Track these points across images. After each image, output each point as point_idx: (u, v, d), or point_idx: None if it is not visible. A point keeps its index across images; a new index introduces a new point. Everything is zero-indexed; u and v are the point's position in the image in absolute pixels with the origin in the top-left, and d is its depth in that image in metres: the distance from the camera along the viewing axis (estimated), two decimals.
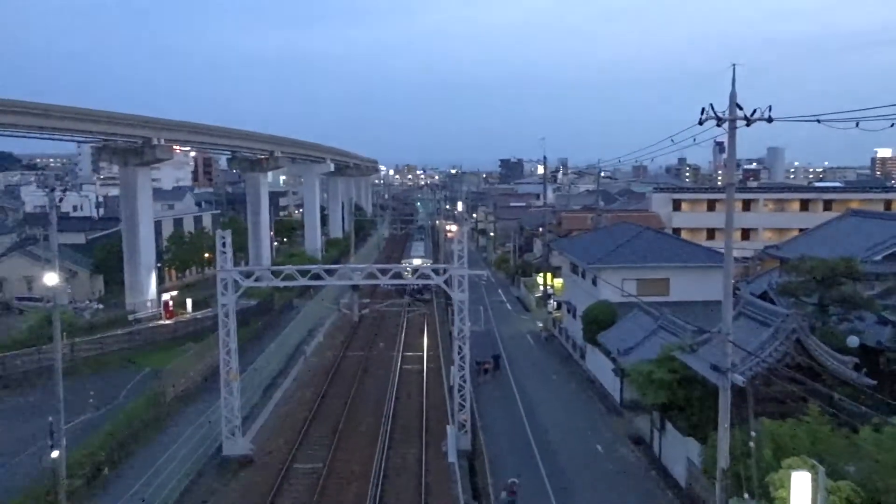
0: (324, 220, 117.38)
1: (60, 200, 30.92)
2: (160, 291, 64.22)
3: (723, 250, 22.77)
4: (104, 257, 72.20)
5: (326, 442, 34.52)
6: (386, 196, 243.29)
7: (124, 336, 52.73)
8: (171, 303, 60.04)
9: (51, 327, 28.95)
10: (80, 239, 79.22)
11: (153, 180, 75.86)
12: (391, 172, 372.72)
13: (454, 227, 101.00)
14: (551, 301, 61.56)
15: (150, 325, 56.68)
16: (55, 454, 24.44)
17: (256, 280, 33.92)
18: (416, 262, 58.25)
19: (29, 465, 30.13)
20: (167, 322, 57.59)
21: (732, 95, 20.00)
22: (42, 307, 53.81)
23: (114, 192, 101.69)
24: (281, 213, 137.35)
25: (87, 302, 67.07)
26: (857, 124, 14.56)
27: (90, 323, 54.42)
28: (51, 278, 28.69)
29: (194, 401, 40.36)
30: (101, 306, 66.29)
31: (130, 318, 58.00)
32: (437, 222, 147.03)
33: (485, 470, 30.06)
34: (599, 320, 41.88)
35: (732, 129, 20.27)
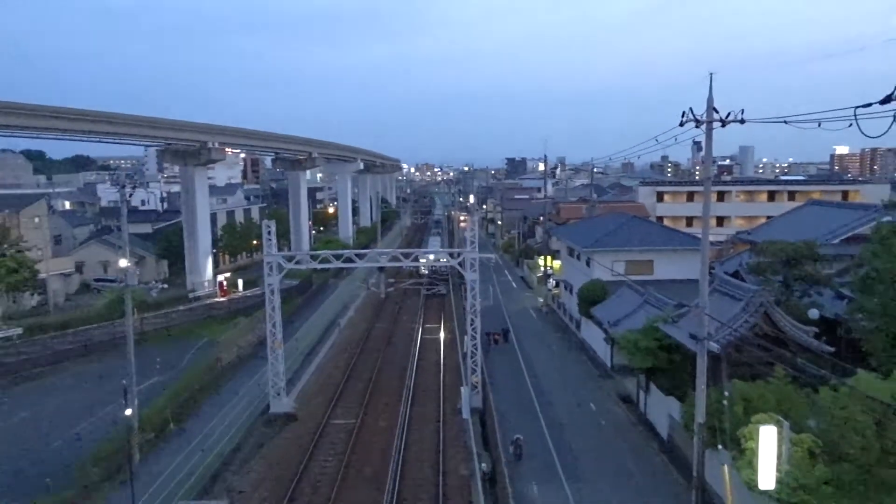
0: (355, 212, 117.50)
1: (130, 196, 31.21)
2: (216, 273, 64.60)
3: (700, 235, 22.59)
4: (168, 244, 72.73)
5: (358, 401, 34.74)
6: (408, 190, 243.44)
7: (185, 311, 53.25)
8: (224, 283, 60.47)
9: (123, 304, 29.28)
10: (147, 229, 79.73)
11: (209, 178, 75.98)
12: (412, 170, 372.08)
13: (466, 218, 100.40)
14: (551, 280, 61.36)
15: (207, 301, 57.15)
16: (129, 411, 24.77)
17: (297, 263, 34.08)
18: (433, 257, 55.47)
19: (107, 421, 30.56)
20: (222, 299, 58.02)
21: (709, 101, 19.80)
22: (116, 287, 54.45)
23: (175, 188, 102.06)
24: (318, 206, 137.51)
25: (154, 282, 67.66)
26: (819, 124, 14.31)
27: (156, 300, 54.93)
28: (123, 262, 28.99)
29: (245, 366, 40.67)
30: (165, 286, 66.87)
31: (190, 296, 58.45)
32: (452, 213, 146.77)
33: (494, 424, 30.14)
34: (593, 296, 41.72)
35: (709, 130, 20.08)
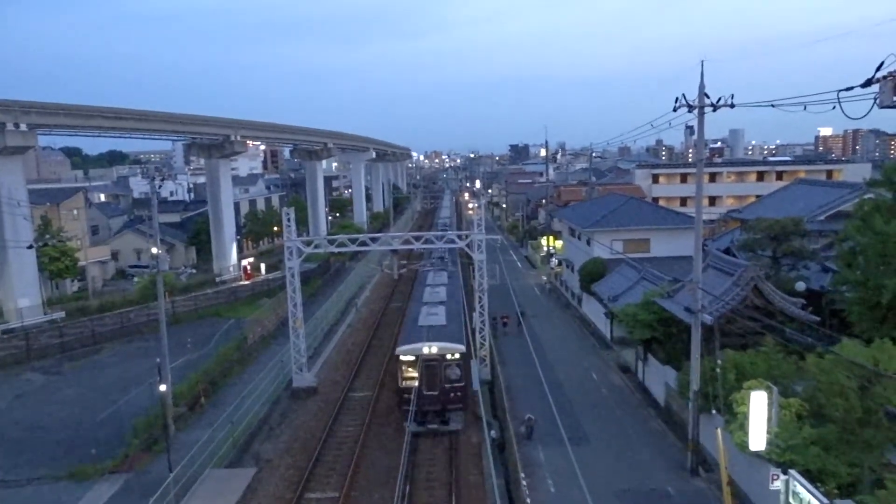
0: (368, 198, 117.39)
1: (160, 188, 31.30)
2: (240, 258, 64.91)
3: (694, 215, 22.49)
4: (195, 232, 73.06)
5: (375, 375, 34.89)
6: (417, 177, 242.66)
7: (213, 294, 53.52)
8: (248, 267, 60.78)
9: (156, 288, 29.49)
10: (176, 218, 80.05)
11: (232, 169, 76.19)
12: (421, 157, 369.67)
13: (472, 203, 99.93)
14: (553, 259, 61.30)
15: (233, 285, 57.40)
16: (163, 388, 25.00)
17: (315, 247, 34.11)
18: (434, 349, 26.00)
19: (143, 397, 30.87)
20: (246, 282, 58.28)
21: (701, 87, 19.64)
22: (148, 273, 54.72)
23: (201, 179, 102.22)
24: (333, 193, 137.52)
25: (183, 268, 68.07)
26: (805, 107, 14.19)
27: (186, 284, 55.31)
28: (154, 250, 29.15)
29: (269, 344, 40.93)
30: (194, 271, 67.25)
31: (217, 279, 58.78)
32: (460, 197, 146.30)
33: (502, 394, 30.30)
34: (593, 273, 41.70)
35: (701, 114, 19.96)
